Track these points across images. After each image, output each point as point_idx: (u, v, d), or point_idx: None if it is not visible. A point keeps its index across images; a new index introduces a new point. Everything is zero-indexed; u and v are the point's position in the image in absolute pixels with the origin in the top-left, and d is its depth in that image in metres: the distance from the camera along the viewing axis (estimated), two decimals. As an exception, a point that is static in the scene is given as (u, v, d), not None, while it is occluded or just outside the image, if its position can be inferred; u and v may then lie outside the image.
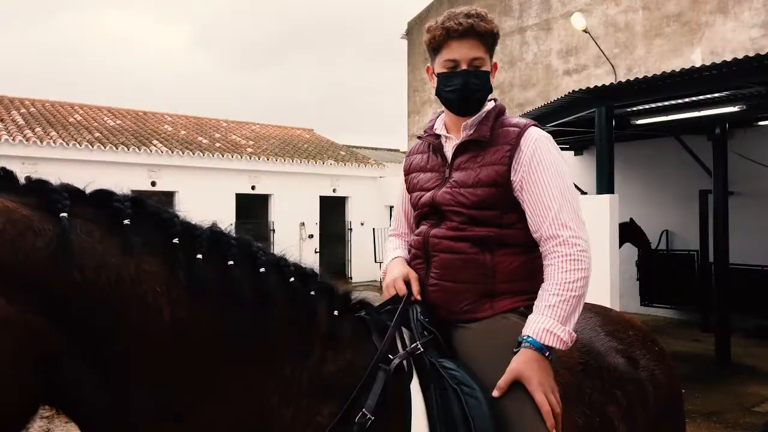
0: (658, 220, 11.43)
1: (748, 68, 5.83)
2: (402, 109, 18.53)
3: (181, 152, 15.48)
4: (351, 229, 18.86)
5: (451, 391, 1.51)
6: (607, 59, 11.72)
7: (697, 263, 10.73)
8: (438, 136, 1.90)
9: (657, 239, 11.48)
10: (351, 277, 18.46)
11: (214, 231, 1.39)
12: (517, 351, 1.58)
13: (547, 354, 1.57)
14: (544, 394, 1.52)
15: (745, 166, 9.72)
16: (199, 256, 1.31)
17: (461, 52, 1.75)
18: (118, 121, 17.18)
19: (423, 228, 1.85)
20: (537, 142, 1.73)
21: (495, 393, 1.54)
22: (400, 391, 1.48)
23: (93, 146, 14.20)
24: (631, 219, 10.87)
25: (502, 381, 1.55)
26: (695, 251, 10.77)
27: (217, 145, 17.09)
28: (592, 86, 7.03)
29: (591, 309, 2.22)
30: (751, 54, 5.89)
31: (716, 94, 7.05)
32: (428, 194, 1.83)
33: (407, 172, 1.99)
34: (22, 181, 1.22)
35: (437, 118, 1.97)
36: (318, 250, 17.67)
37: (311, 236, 17.73)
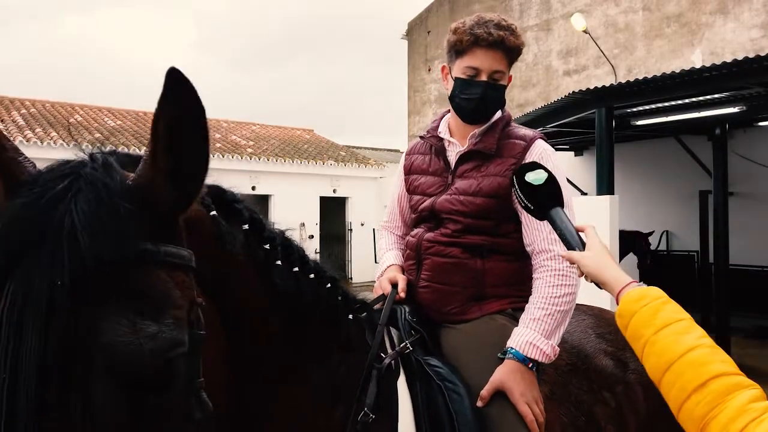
0: (658, 220, 11.43)
1: (748, 69, 5.83)
2: (402, 110, 18.54)
3: (181, 153, 15.47)
4: (351, 230, 18.87)
5: (436, 387, 1.54)
6: (607, 60, 11.72)
7: (697, 264, 10.75)
8: (441, 139, 1.88)
9: (657, 240, 11.48)
10: (351, 278, 18.46)
11: (284, 234, 1.42)
12: (502, 358, 1.61)
13: (530, 366, 1.59)
14: (527, 404, 1.54)
15: (745, 167, 9.72)
16: (279, 262, 1.33)
17: (485, 62, 1.74)
18: (119, 122, 17.20)
19: (419, 231, 1.85)
20: (541, 156, 1.74)
21: (479, 403, 1.56)
22: (388, 389, 1.51)
23: (93, 147, 14.18)
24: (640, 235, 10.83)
25: (485, 391, 1.57)
26: (695, 252, 10.77)
27: (217, 145, 17.10)
28: (592, 87, 7.04)
29: (585, 311, 2.23)
30: (751, 55, 5.90)
31: (716, 95, 7.06)
32: (429, 201, 1.83)
33: (407, 171, 1.98)
34: None
35: (441, 119, 1.95)
36: (318, 250, 17.67)
37: (311, 237, 17.74)
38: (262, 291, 1.28)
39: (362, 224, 18.65)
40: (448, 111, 1.93)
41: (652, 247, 11.42)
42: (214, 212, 1.17)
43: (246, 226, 1.27)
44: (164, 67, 0.88)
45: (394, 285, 1.81)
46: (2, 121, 14.51)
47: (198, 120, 0.94)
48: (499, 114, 1.85)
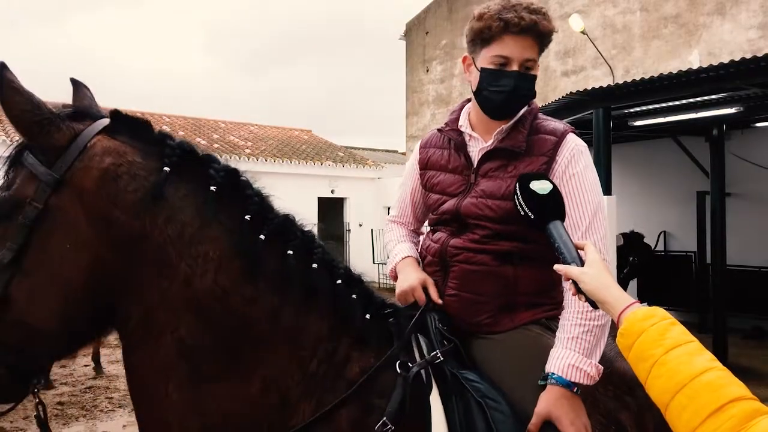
0: (655, 221, 11.45)
1: (746, 70, 5.85)
2: (400, 111, 18.55)
3: (179, 153, 15.47)
4: (349, 231, 18.86)
5: (475, 404, 1.44)
6: (605, 61, 11.74)
7: (695, 264, 10.77)
8: (461, 133, 1.73)
9: (655, 240, 11.51)
10: (349, 278, 18.44)
11: (288, 218, 1.48)
12: (544, 384, 1.50)
13: (575, 390, 1.48)
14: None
15: (743, 168, 9.74)
16: (262, 237, 1.40)
17: (516, 50, 1.58)
18: (117, 122, 17.16)
19: (441, 236, 1.72)
20: (573, 153, 1.61)
21: None
22: (420, 402, 1.41)
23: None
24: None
25: (532, 425, 1.46)
26: (693, 252, 10.80)
27: (216, 146, 17.09)
28: (590, 87, 7.06)
29: None
30: (749, 56, 5.92)
31: (714, 96, 7.09)
32: (451, 202, 1.69)
33: (423, 166, 1.82)
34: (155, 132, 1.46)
35: (461, 110, 1.80)
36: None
37: (310, 237, 17.72)
38: (224, 255, 1.37)
39: (360, 225, 18.64)
40: (468, 101, 1.79)
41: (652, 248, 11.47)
42: (166, 168, 1.37)
43: (213, 189, 1.39)
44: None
45: (424, 288, 1.69)
46: (1, 122, 14.47)
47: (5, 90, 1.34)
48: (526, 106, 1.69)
